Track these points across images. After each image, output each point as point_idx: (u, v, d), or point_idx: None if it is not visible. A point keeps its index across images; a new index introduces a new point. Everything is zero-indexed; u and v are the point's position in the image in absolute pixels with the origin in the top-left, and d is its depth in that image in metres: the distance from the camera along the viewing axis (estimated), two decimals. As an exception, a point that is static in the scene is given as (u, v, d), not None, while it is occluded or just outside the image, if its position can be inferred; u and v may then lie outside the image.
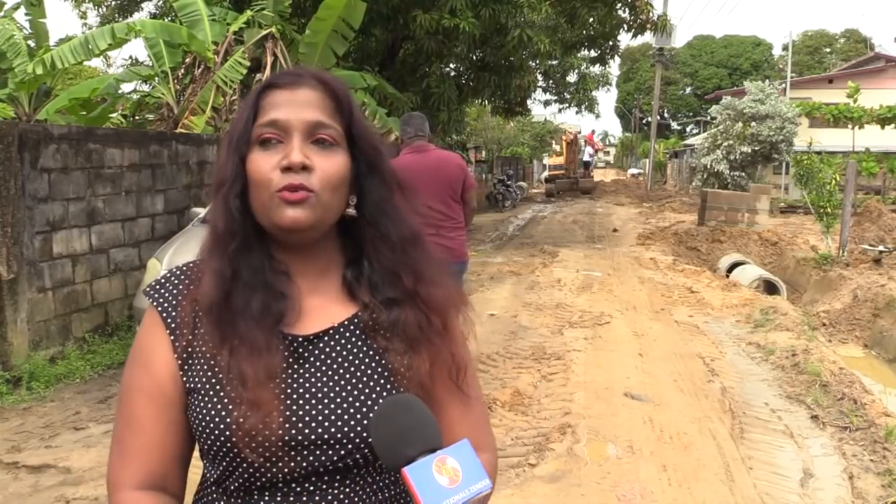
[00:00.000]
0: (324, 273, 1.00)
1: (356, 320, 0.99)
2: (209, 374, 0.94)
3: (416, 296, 1.00)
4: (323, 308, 0.99)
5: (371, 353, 0.98)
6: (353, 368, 0.96)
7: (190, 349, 0.95)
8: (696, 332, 6.95)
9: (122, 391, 0.99)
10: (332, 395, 0.94)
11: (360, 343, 0.98)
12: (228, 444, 0.90)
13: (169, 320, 0.97)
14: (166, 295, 0.99)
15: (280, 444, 0.90)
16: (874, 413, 4.55)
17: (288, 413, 0.91)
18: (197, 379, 0.94)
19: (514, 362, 5.71)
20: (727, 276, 10.53)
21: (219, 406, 0.92)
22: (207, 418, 0.92)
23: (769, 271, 11.11)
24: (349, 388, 0.95)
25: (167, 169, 6.95)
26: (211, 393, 0.93)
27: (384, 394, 0.95)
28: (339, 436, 0.92)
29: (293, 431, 0.91)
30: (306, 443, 0.91)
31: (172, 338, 0.96)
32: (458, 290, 1.06)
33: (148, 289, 1.00)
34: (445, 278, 1.05)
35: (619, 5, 14.02)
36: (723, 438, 4.26)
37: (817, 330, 7.67)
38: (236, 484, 0.93)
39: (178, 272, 1.01)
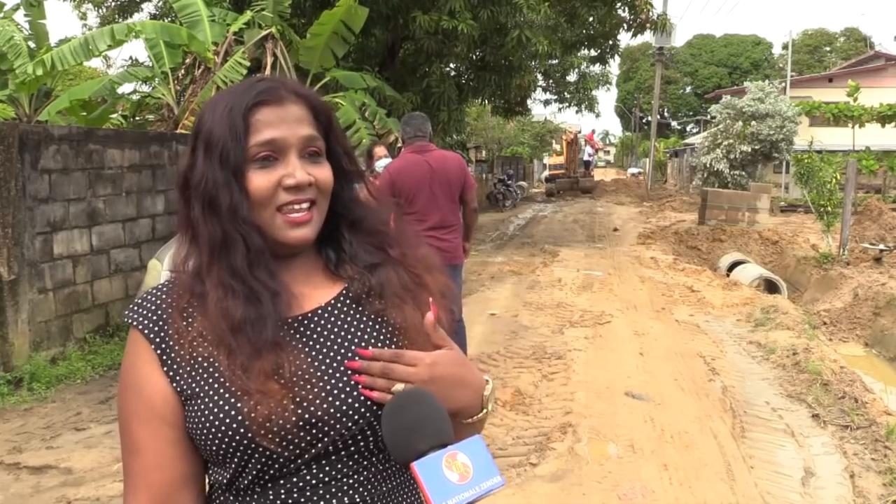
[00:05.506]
0: (305, 260, 1.03)
1: (344, 296, 1.02)
2: (210, 375, 0.94)
3: (393, 258, 1.05)
4: (311, 292, 1.01)
5: (367, 319, 1.01)
6: (350, 336, 0.98)
7: (180, 357, 0.95)
8: (697, 331, 6.95)
9: (120, 418, 0.99)
10: (334, 365, 0.95)
11: (353, 314, 1.01)
12: (240, 436, 0.90)
13: (153, 336, 0.96)
14: (146, 313, 0.99)
15: (300, 423, 0.91)
16: (875, 412, 4.55)
17: (303, 393, 0.92)
18: (196, 385, 0.94)
19: (515, 362, 5.71)
20: (728, 276, 10.52)
21: (228, 399, 0.91)
22: (213, 416, 0.92)
23: (770, 270, 11.11)
24: (350, 356, 0.96)
25: (168, 169, 6.95)
26: (214, 390, 0.93)
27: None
28: (354, 405, 0.93)
29: (310, 409, 0.92)
30: (324, 416, 0.92)
31: (159, 351, 0.96)
32: (431, 252, 1.12)
33: (127, 312, 1.01)
34: (419, 241, 1.11)
35: (619, 4, 13.99)
36: (724, 437, 4.26)
37: (818, 329, 7.66)
38: (248, 479, 0.93)
39: (155, 291, 1.01)
